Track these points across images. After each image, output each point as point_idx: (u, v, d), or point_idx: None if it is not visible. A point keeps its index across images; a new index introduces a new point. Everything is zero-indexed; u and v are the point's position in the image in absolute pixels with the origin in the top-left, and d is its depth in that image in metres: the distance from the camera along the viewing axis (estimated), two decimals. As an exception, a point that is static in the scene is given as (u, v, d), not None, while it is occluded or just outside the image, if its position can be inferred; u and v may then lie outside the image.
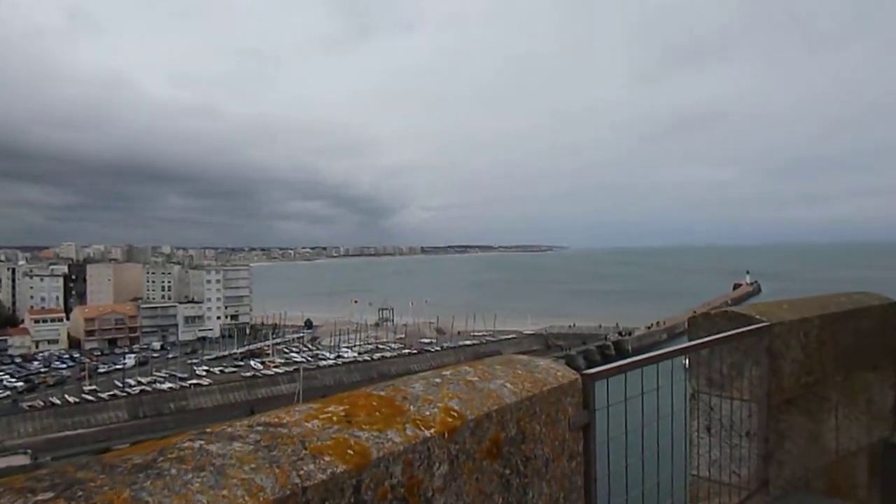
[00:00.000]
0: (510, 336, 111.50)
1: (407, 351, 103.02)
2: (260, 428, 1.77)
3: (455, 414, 2.04)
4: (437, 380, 2.26)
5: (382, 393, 2.09)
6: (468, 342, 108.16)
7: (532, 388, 2.36)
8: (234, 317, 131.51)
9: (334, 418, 1.85)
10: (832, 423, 4.70)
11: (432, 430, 1.92)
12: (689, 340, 4.05)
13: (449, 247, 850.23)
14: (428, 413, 2.00)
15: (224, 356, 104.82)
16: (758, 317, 4.10)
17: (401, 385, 2.18)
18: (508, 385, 2.32)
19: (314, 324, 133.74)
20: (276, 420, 1.83)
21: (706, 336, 3.97)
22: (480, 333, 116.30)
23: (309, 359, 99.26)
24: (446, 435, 1.95)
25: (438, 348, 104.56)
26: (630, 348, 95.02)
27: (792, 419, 4.33)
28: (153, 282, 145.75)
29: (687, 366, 4.23)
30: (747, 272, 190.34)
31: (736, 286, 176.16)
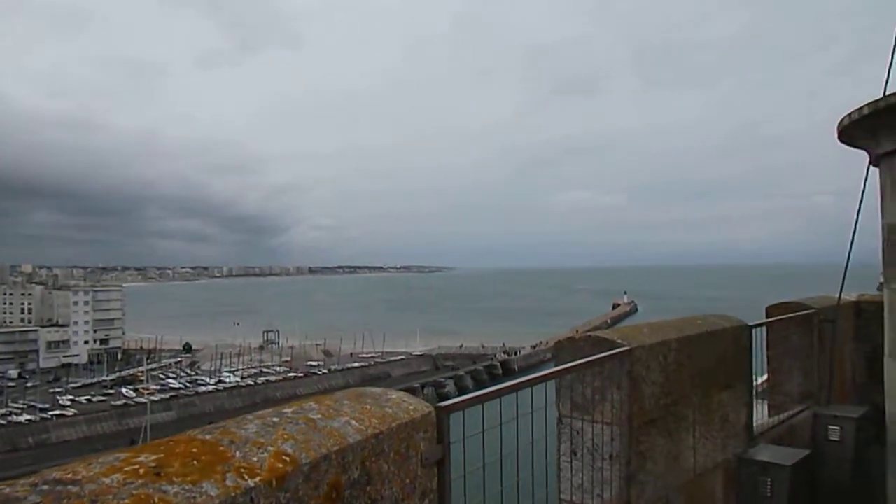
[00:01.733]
0: (399, 357, 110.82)
1: (293, 374, 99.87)
2: (45, 487, 1.51)
3: (287, 458, 1.85)
4: (275, 419, 2.07)
5: (208, 437, 1.87)
6: (356, 364, 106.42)
7: (380, 424, 2.21)
8: (104, 341, 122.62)
9: (141, 471, 1.62)
10: (690, 442, 4.88)
11: (258, 479, 1.73)
12: (556, 365, 4.07)
13: (338, 267, 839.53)
14: (255, 459, 1.80)
15: (92, 384, 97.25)
16: (619, 341, 4.19)
17: (232, 427, 1.97)
18: (354, 422, 2.16)
19: (193, 347, 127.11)
20: (69, 476, 1.57)
21: (571, 361, 4.01)
22: (369, 355, 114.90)
23: (187, 385, 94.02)
24: (274, 483, 1.76)
25: (326, 371, 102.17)
26: (517, 367, 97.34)
27: (653, 440, 4.44)
28: (11, 304, 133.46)
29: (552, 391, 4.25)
30: (625, 292, 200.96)
31: (615, 306, 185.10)
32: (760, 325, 6.37)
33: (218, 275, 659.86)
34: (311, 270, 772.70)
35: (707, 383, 5.10)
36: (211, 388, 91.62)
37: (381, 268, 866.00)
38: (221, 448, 1.81)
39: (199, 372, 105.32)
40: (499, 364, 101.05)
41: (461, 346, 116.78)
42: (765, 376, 7.76)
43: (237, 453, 1.80)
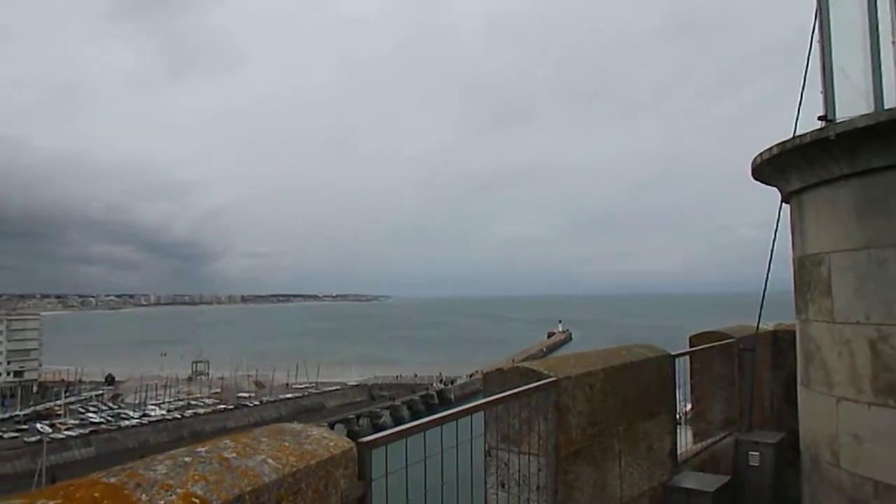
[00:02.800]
0: (334, 388, 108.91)
1: (223, 406, 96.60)
2: (-75, 539, 1.41)
3: (197, 500, 1.78)
4: (187, 459, 1.99)
5: (112, 480, 1.78)
6: (290, 395, 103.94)
7: (298, 461, 2.16)
8: (18, 373, 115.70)
9: (35, 518, 1.53)
10: (616, 471, 4.95)
11: (164, 524, 1.66)
12: (485, 396, 4.08)
13: (272, 296, 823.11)
14: (163, 502, 1.72)
15: (4, 419, 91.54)
16: (546, 372, 4.24)
17: (139, 468, 1.89)
18: (270, 461, 2.10)
19: (116, 379, 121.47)
20: (-46, 526, 1.47)
21: (499, 392, 4.03)
22: (303, 386, 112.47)
23: (109, 419, 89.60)
24: (182, 528, 1.69)
25: (257, 403, 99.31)
26: (453, 397, 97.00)
27: (579, 470, 4.49)
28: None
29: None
30: (559, 321, 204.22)
31: (550, 334, 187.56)
32: (683, 354, 6.57)
33: (145, 303, 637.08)
34: (244, 299, 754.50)
35: (632, 412, 5.21)
36: (135, 422, 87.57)
37: (315, 296, 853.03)
38: (126, 491, 1.72)
39: (122, 405, 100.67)
40: (435, 394, 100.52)
41: (397, 376, 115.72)
42: (689, 404, 8.01)
43: (143, 496, 1.72)
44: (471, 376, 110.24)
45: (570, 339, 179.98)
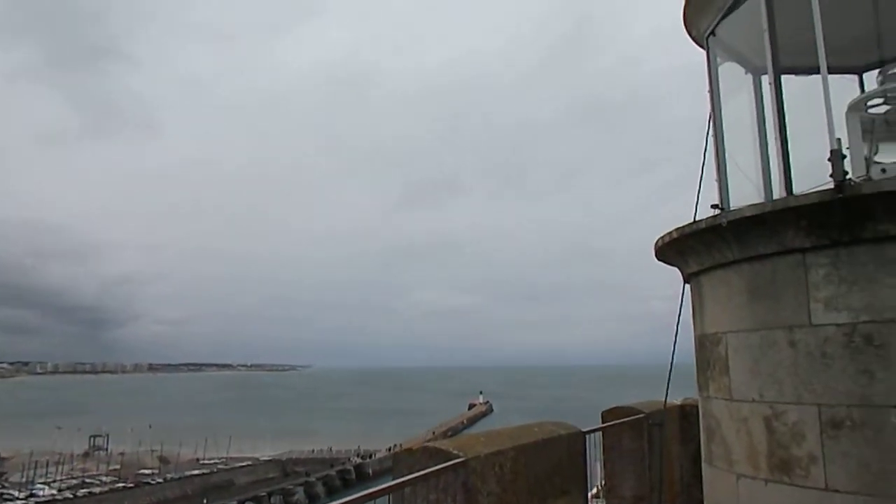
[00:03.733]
0: (245, 464, 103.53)
1: (121, 485, 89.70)
2: None
3: None
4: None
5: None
6: (196, 472, 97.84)
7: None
8: None
9: None
10: (527, 553, 4.87)
11: None
12: (394, 478, 3.97)
13: (182, 364, 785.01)
14: None
15: None
16: (455, 452, 4.19)
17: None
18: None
19: (2, 456, 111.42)
20: None
21: (408, 473, 3.93)
22: (212, 461, 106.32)
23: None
24: None
25: (160, 480, 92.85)
26: (371, 472, 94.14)
27: (489, 554, 4.39)
28: None
29: None
30: (480, 392, 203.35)
31: (471, 406, 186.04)
32: (594, 430, 6.65)
33: (41, 371, 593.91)
34: (152, 367, 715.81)
35: (544, 491, 5.18)
36: (20, 503, 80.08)
37: (229, 365, 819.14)
38: None
39: (6, 484, 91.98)
40: (353, 469, 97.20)
41: (313, 451, 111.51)
42: (602, 480, 8.06)
43: None
44: (390, 450, 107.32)
45: (492, 410, 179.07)
